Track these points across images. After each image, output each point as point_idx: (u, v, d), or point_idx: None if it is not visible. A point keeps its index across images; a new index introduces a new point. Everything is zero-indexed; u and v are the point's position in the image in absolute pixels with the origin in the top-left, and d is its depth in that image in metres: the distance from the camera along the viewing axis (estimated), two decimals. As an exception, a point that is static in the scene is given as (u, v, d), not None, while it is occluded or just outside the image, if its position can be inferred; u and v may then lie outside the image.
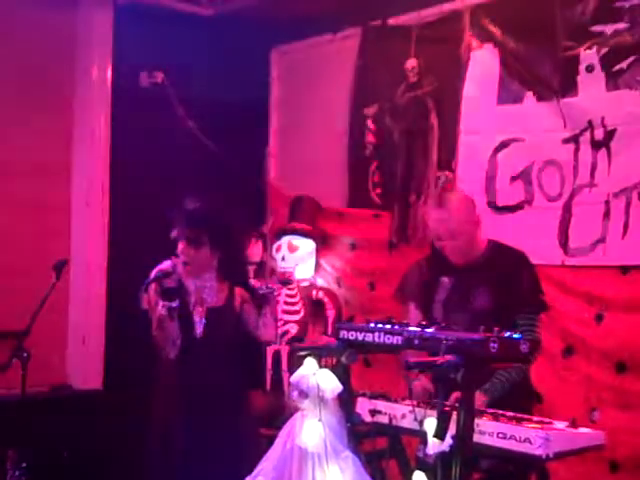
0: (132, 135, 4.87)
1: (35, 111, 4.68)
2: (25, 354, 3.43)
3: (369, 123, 4.84)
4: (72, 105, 4.92)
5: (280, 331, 4.49)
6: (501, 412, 2.66)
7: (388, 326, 2.67)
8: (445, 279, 3.17)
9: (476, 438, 2.43)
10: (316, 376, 2.74)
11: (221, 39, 5.11)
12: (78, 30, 4.94)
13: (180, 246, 3.41)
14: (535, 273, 3.13)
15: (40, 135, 4.70)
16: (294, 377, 2.76)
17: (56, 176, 4.83)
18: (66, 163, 4.90)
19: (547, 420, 2.55)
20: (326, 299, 4.58)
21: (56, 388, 4.60)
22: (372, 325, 2.72)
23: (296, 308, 4.55)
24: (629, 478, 3.44)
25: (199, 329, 3.34)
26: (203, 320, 3.36)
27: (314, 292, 4.62)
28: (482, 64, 4.30)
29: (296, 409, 2.80)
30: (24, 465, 3.40)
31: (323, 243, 4.79)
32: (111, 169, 4.90)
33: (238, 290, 3.47)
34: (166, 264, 3.33)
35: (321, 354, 2.83)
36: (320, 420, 2.70)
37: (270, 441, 2.89)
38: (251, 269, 4.68)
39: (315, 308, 4.57)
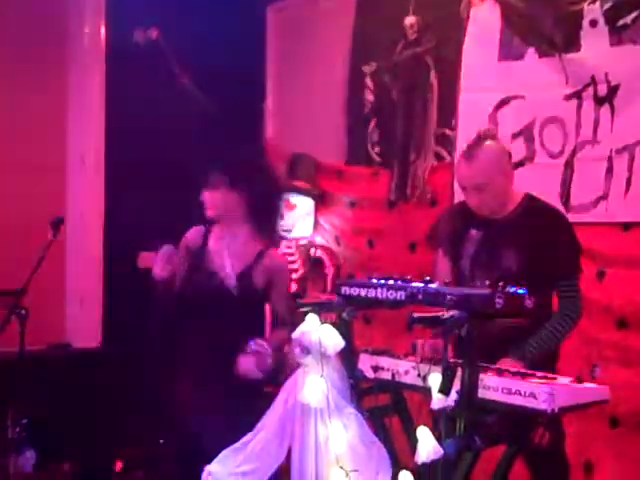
0: (127, 93, 4.79)
1: (28, 72, 4.61)
2: (23, 311, 3.42)
3: (368, 81, 4.79)
4: (66, 64, 4.85)
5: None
6: (504, 367, 2.65)
7: (391, 282, 2.65)
8: (474, 232, 3.07)
9: (481, 393, 2.42)
10: (318, 332, 2.71)
11: (217, -6, 5.02)
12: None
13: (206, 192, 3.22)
14: (573, 234, 3.03)
15: (34, 96, 4.62)
16: (296, 333, 2.74)
17: (51, 136, 4.78)
18: (61, 123, 4.84)
19: (551, 375, 2.54)
20: (325, 257, 4.57)
21: (55, 346, 4.58)
22: (374, 281, 2.69)
23: (295, 266, 4.54)
24: (629, 434, 3.46)
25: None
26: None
27: (313, 250, 4.60)
28: (483, 20, 4.24)
29: (298, 365, 2.79)
30: (24, 421, 3.39)
31: (321, 201, 4.76)
32: (106, 128, 4.84)
33: (270, 257, 3.26)
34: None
35: (322, 310, 2.81)
36: (322, 376, 2.68)
37: (272, 397, 2.88)
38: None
39: (314, 266, 4.55)
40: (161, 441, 4.38)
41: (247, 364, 3.13)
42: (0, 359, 3.81)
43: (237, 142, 4.99)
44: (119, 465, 4.47)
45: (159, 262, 3.19)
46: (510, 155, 3.11)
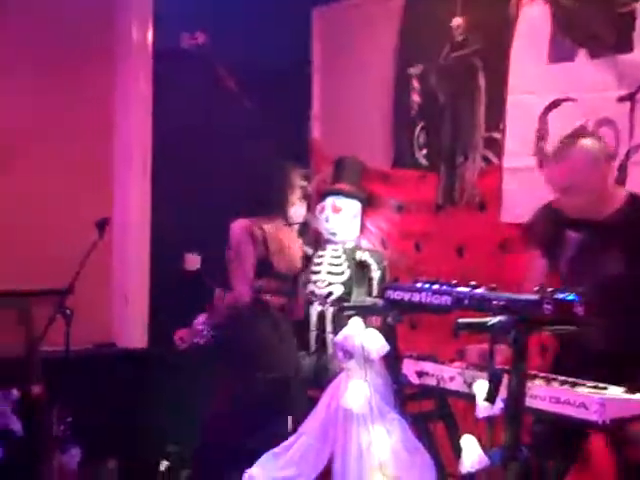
0: (173, 96, 4.82)
1: (77, 75, 4.65)
2: (68, 311, 3.44)
3: (414, 83, 4.73)
4: (113, 67, 4.88)
5: (325, 292, 4.44)
6: (553, 376, 2.59)
7: (436, 286, 2.60)
8: (573, 234, 2.91)
9: (528, 402, 2.37)
10: (361, 336, 2.68)
11: (262, -1, 5.02)
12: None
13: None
14: None
15: (82, 98, 4.67)
16: (339, 337, 2.71)
17: (99, 139, 4.81)
18: (109, 126, 4.87)
19: (602, 385, 2.47)
20: (371, 260, 4.50)
21: (100, 346, 4.61)
22: (420, 285, 2.65)
23: (341, 269, 4.48)
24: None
25: None
26: None
27: (359, 253, 4.54)
28: (532, 21, 4.15)
29: (341, 369, 2.76)
30: (69, 419, 3.42)
31: (368, 204, 4.72)
32: (153, 130, 4.87)
33: None
34: None
35: (367, 314, 2.77)
36: (365, 381, 2.65)
37: (315, 401, 2.85)
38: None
39: (360, 269, 4.50)
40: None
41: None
42: (46, 358, 3.84)
43: (283, 146, 5.02)
44: (164, 464, 4.48)
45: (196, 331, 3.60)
46: (609, 153, 2.96)
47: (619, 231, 2.82)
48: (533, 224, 3.14)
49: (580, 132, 2.95)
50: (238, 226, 3.49)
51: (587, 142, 2.89)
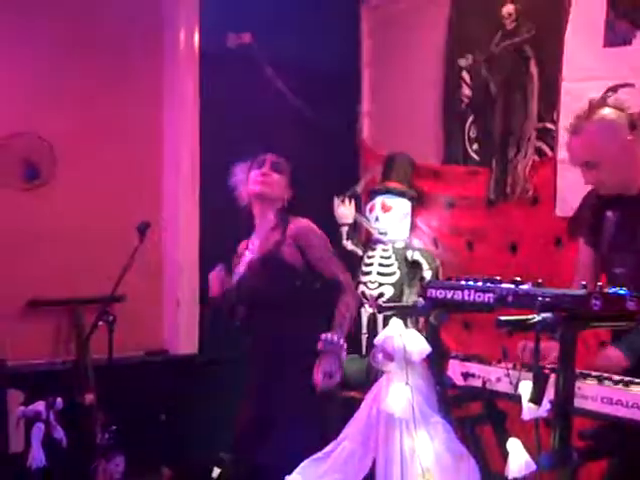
0: (221, 97, 4.78)
1: (125, 78, 4.63)
2: (111, 318, 3.41)
3: (464, 75, 4.60)
4: (161, 69, 4.85)
5: (376, 293, 4.35)
6: (606, 375, 2.43)
7: (479, 283, 2.47)
8: (609, 213, 2.77)
9: (578, 403, 2.22)
10: (402, 337, 2.57)
11: (309, -5, 4.95)
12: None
13: (261, 171, 3.42)
14: None
15: (131, 101, 4.66)
16: (378, 338, 2.60)
17: (148, 142, 4.78)
18: (158, 129, 4.84)
19: (658, 383, 2.30)
20: (422, 260, 4.39)
21: (152, 353, 4.59)
22: (462, 282, 2.52)
23: (392, 270, 4.38)
24: None
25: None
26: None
27: (410, 253, 4.43)
28: (586, 4, 4.00)
29: (382, 372, 2.65)
30: (113, 428, 3.39)
31: (419, 202, 4.60)
32: (201, 132, 4.83)
33: (292, 223, 3.37)
34: None
35: (408, 314, 2.66)
36: (407, 384, 2.53)
37: (356, 405, 2.75)
38: (344, 230, 4.55)
39: (411, 269, 4.39)
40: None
41: (320, 376, 3.06)
42: (93, 365, 3.83)
43: (333, 145, 4.93)
44: (216, 471, 4.43)
45: (212, 282, 3.47)
46: (633, 123, 2.75)
47: None
48: (576, 213, 2.99)
49: (598, 103, 2.77)
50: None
51: (605, 112, 2.72)
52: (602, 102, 2.81)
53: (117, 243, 4.22)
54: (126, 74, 4.64)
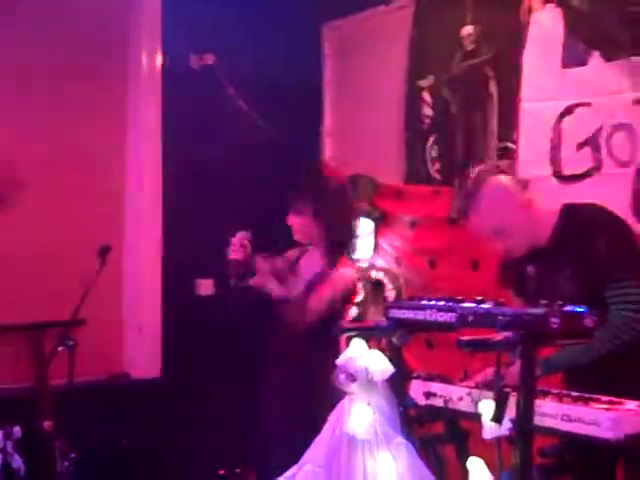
0: (184, 119, 4.77)
1: (87, 103, 4.60)
2: (71, 342, 3.36)
3: (425, 95, 4.64)
4: (124, 92, 4.84)
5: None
6: (565, 392, 2.44)
7: (441, 303, 2.48)
8: (530, 268, 2.78)
9: (538, 421, 2.23)
10: (364, 358, 2.56)
11: (270, 17, 4.96)
12: (128, 15, 4.84)
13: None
14: (614, 233, 2.70)
15: (93, 125, 4.62)
16: (341, 359, 2.59)
17: (111, 165, 4.76)
18: (120, 152, 4.82)
19: (616, 400, 2.32)
20: (386, 279, 4.41)
21: (114, 376, 4.53)
22: (423, 302, 2.53)
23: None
24: None
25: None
26: None
27: (373, 273, 4.45)
28: (544, 26, 4.06)
29: (344, 393, 2.64)
30: (73, 456, 3.33)
31: (382, 222, 4.62)
32: (163, 154, 4.81)
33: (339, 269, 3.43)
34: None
35: (370, 335, 2.66)
36: (369, 404, 2.52)
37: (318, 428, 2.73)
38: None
39: (375, 289, 4.40)
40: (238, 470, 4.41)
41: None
42: (53, 391, 3.77)
43: (295, 165, 4.93)
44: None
45: (234, 245, 3.47)
46: (518, 182, 2.84)
47: (558, 252, 2.71)
48: (500, 269, 3.03)
49: (483, 175, 2.80)
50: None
51: (489, 184, 2.76)
52: (487, 173, 2.82)
53: (78, 268, 4.17)
54: (88, 97, 4.61)
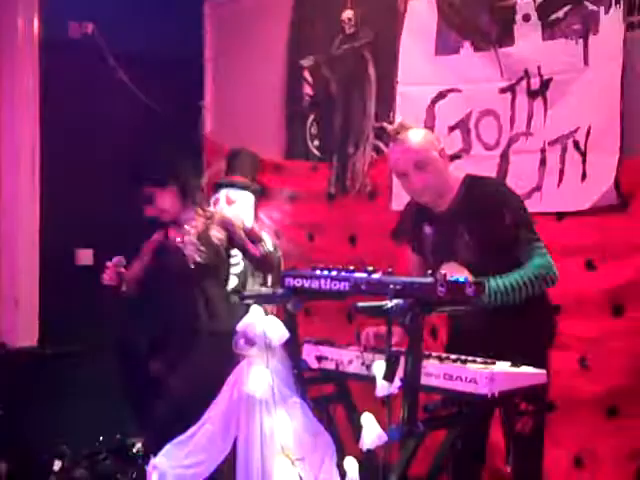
0: (63, 89, 4.72)
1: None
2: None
3: (306, 75, 4.80)
4: (-1, 61, 4.72)
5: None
6: (445, 354, 2.70)
7: (334, 272, 2.66)
8: (427, 227, 3.01)
9: (424, 380, 2.47)
10: (263, 324, 2.72)
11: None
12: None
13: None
14: (519, 202, 2.94)
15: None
16: (240, 325, 2.75)
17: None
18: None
19: (490, 361, 2.59)
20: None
21: (-11, 346, 4.48)
22: (318, 272, 2.70)
23: (236, 260, 4.50)
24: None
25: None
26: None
27: (253, 245, 4.56)
28: (419, 14, 4.28)
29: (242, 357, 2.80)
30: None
31: (262, 196, 4.75)
32: (41, 124, 4.74)
33: None
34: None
35: (266, 302, 2.82)
36: (267, 367, 2.69)
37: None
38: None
39: (255, 260, 4.52)
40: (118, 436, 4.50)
41: None
42: None
43: (175, 138, 4.98)
44: (58, 464, 4.39)
45: (108, 271, 3.59)
46: (438, 139, 3.06)
47: (460, 216, 2.92)
48: (398, 224, 3.25)
49: (405, 125, 3.00)
50: None
51: (417, 129, 3.02)
52: (407, 125, 3.02)
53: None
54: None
